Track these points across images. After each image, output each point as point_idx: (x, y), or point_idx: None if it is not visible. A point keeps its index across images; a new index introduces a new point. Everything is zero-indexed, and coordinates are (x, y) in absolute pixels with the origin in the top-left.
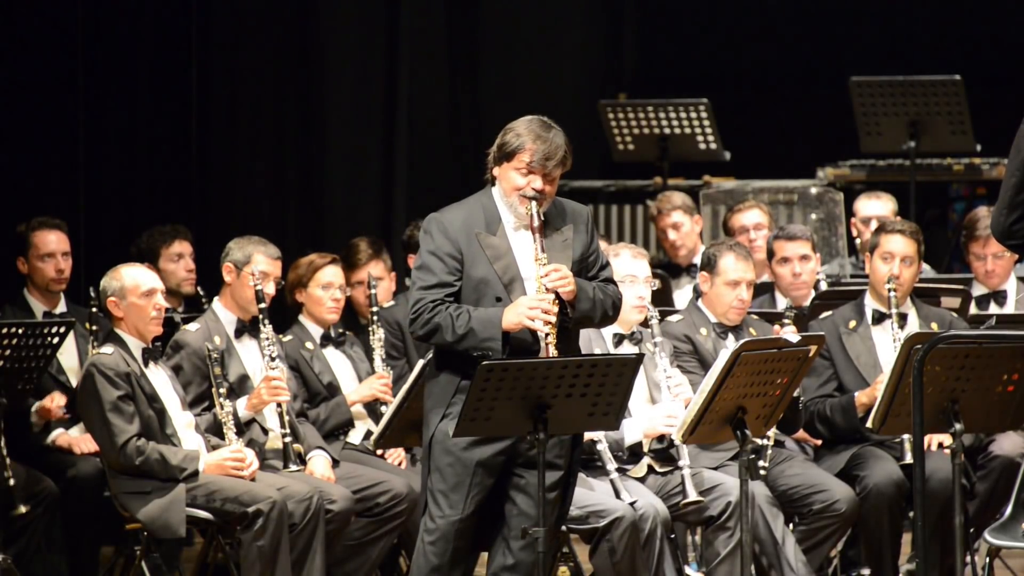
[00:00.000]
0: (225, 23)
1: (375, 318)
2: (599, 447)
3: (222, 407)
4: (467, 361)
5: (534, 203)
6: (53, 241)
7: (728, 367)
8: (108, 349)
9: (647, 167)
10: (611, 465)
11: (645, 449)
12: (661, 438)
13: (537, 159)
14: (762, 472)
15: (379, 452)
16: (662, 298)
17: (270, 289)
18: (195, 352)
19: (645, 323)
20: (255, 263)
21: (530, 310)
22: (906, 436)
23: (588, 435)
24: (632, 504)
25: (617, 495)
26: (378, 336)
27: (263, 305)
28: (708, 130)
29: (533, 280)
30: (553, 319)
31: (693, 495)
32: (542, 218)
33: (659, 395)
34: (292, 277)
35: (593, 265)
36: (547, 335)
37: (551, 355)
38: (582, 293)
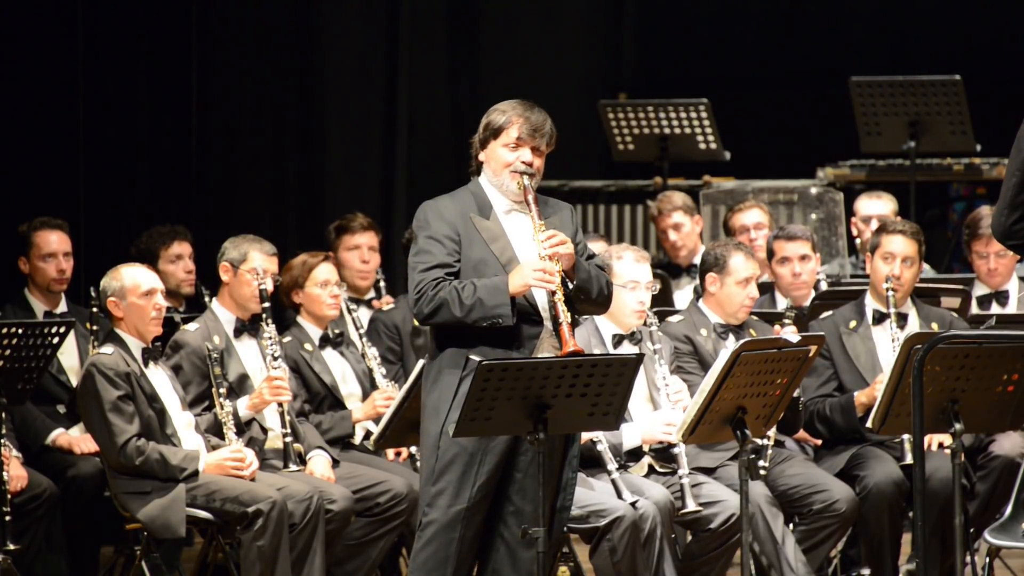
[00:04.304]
0: (225, 23)
1: (364, 339)
2: (599, 447)
3: (222, 407)
4: (470, 342)
5: (526, 176)
6: (54, 241)
7: (728, 367)
8: (108, 349)
9: (647, 167)
10: (612, 464)
11: (645, 449)
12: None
13: (525, 131)
14: (762, 472)
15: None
16: (662, 298)
17: (268, 285)
18: (195, 352)
19: (645, 323)
20: (251, 260)
21: (535, 272)
22: (906, 436)
23: (588, 435)
24: (632, 504)
25: (619, 494)
26: (372, 353)
27: (266, 304)
28: (708, 130)
29: (532, 257)
30: (558, 278)
31: (692, 506)
32: (535, 190)
33: (658, 395)
34: (287, 279)
35: (580, 255)
36: (554, 293)
37: (561, 315)
38: (579, 263)
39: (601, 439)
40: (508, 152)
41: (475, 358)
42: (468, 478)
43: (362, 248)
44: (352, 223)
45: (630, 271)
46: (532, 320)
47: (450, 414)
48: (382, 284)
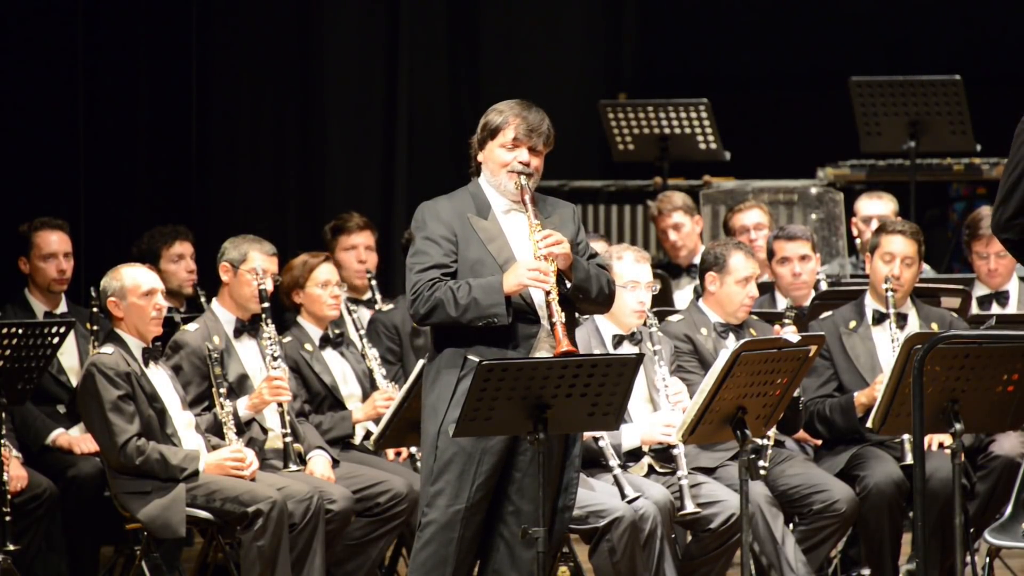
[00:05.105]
0: (225, 23)
1: (364, 339)
2: (600, 444)
3: (222, 407)
4: (468, 341)
5: (523, 176)
6: (55, 241)
7: (728, 367)
8: (108, 349)
9: (647, 167)
10: (613, 461)
11: (645, 449)
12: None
13: (522, 131)
14: (762, 472)
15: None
16: (662, 298)
17: (268, 286)
18: (194, 352)
19: (645, 324)
20: (251, 261)
21: (529, 271)
22: (906, 436)
23: (589, 433)
24: (631, 503)
25: (621, 491)
26: (372, 354)
27: (266, 304)
28: (708, 130)
29: (528, 257)
30: (553, 278)
31: (691, 507)
32: (532, 190)
33: (658, 396)
34: (287, 280)
35: (582, 255)
36: (548, 293)
37: (555, 315)
38: (577, 263)
39: (603, 436)
40: (505, 152)
41: (473, 358)
42: (467, 478)
43: (359, 248)
44: (348, 223)
45: (630, 271)
46: (529, 319)
47: (448, 413)
48: (374, 284)
